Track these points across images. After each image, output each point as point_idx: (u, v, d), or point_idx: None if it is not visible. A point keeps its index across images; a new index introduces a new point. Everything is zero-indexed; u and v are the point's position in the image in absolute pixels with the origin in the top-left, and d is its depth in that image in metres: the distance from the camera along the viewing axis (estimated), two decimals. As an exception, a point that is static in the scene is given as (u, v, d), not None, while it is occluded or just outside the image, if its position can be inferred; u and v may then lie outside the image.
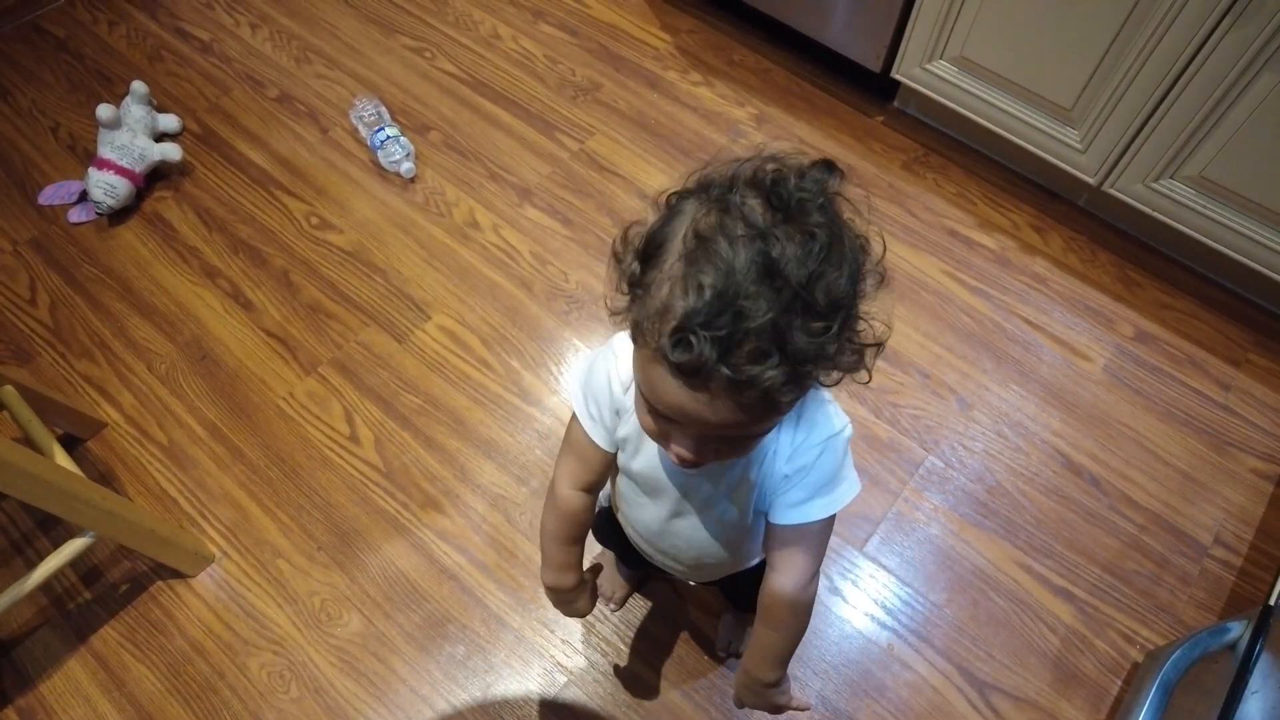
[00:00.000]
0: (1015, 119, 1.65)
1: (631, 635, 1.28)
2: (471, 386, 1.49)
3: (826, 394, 0.70)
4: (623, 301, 0.60)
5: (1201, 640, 1.03)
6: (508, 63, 1.94)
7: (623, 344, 0.74)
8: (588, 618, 1.27)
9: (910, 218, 1.75)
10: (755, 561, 0.93)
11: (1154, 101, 1.45)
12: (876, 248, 0.59)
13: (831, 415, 0.71)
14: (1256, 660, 0.96)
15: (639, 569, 1.28)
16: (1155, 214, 1.60)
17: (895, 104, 1.91)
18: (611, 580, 1.29)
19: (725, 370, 0.51)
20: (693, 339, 0.51)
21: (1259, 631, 0.99)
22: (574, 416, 0.80)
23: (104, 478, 1.38)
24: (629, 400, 0.74)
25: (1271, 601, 1.05)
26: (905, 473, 1.43)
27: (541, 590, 1.30)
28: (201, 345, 1.52)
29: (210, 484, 1.38)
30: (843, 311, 0.54)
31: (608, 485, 1.02)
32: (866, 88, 1.91)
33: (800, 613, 0.78)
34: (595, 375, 0.76)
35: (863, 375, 0.59)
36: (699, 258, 0.52)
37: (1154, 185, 1.56)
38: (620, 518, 0.93)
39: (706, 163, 0.59)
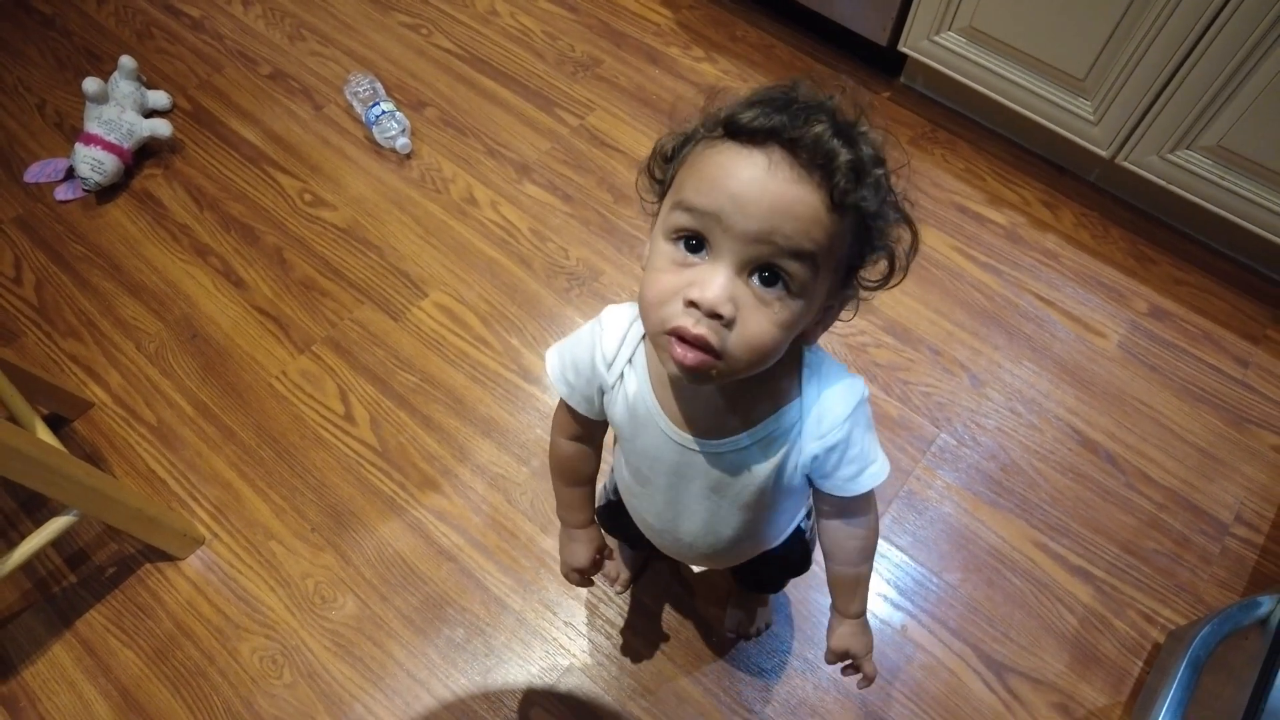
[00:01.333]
0: (1026, 91, 1.61)
1: (636, 618, 1.24)
2: (470, 364, 1.45)
3: (836, 367, 0.70)
4: (658, 173, 0.63)
5: (1232, 615, 0.99)
6: (505, 39, 1.90)
7: (611, 317, 0.72)
8: (591, 599, 1.24)
9: (918, 194, 1.70)
10: (770, 548, 0.89)
11: (1171, 68, 1.41)
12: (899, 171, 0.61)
13: (846, 385, 0.69)
14: (1290, 634, 0.92)
15: (644, 550, 1.24)
16: (1171, 187, 1.56)
17: (902, 80, 1.88)
18: (615, 562, 1.25)
19: (790, 131, 0.52)
20: (759, 113, 0.54)
21: (1291, 605, 0.95)
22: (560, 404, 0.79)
23: (91, 458, 1.34)
24: (611, 377, 0.72)
25: (1302, 574, 1.01)
26: (917, 451, 1.39)
27: (543, 571, 1.26)
28: (192, 324, 1.48)
29: (200, 465, 1.34)
30: (884, 164, 0.57)
31: (612, 476, 0.98)
32: (872, 63, 1.87)
33: (875, 545, 0.80)
34: (578, 345, 0.74)
35: (896, 276, 0.62)
36: (757, 94, 0.56)
37: (1169, 157, 1.52)
38: (631, 511, 0.88)
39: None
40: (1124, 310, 1.57)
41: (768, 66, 1.88)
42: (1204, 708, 1.00)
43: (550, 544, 1.28)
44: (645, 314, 0.59)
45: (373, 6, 1.95)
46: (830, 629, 0.85)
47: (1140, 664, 1.22)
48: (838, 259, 0.58)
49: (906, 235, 0.61)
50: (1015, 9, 1.52)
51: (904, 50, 1.73)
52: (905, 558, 1.30)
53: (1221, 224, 1.56)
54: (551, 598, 1.24)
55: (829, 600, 0.84)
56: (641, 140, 1.74)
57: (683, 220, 0.56)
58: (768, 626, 1.23)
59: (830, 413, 0.67)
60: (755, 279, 0.55)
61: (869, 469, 0.71)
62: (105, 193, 1.62)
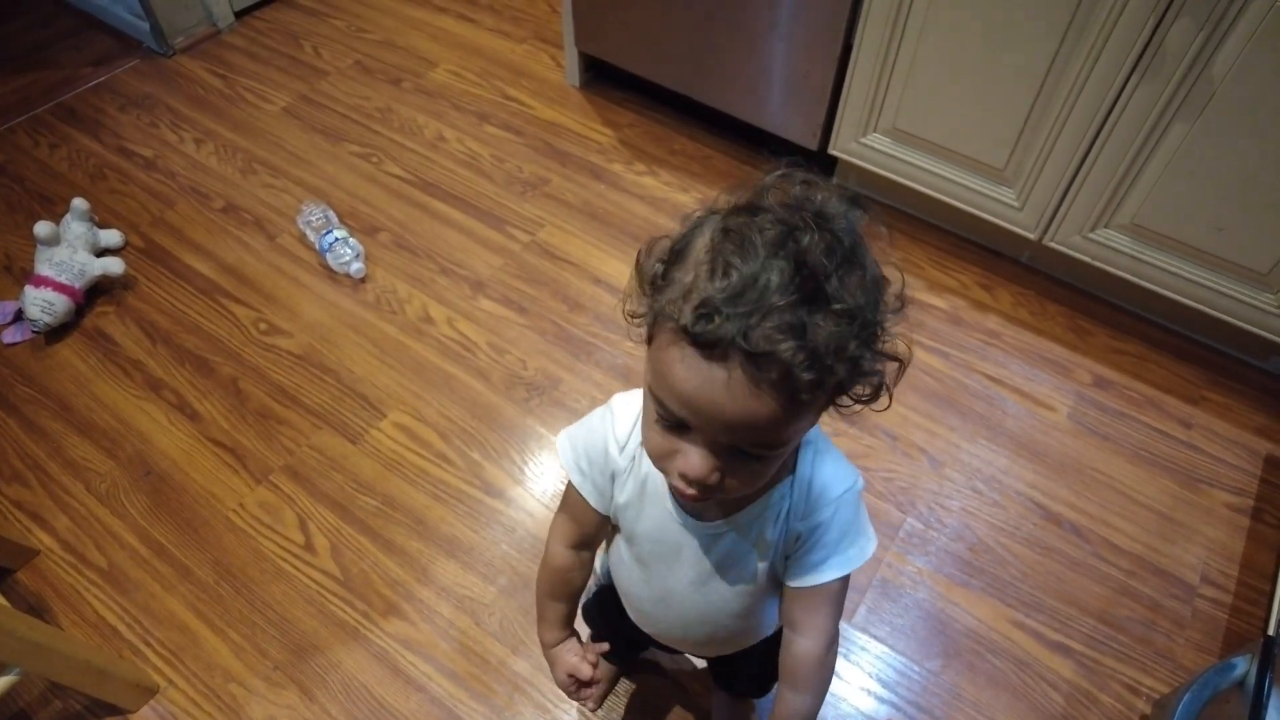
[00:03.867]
0: (953, 183, 1.71)
1: (616, 734, 1.19)
2: (431, 483, 1.43)
3: (835, 450, 0.71)
4: (642, 304, 0.61)
5: (1209, 680, 0.99)
6: (454, 163, 1.97)
7: (621, 404, 0.74)
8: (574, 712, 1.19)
9: (861, 285, 1.77)
10: (765, 635, 0.88)
11: (1081, 155, 1.52)
12: (895, 278, 0.60)
13: (841, 471, 0.70)
14: (1269, 693, 0.92)
15: (625, 657, 1.21)
16: (1095, 263, 1.64)
17: (835, 180, 1.97)
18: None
19: (743, 343, 0.51)
20: (716, 315, 0.51)
21: (1265, 663, 0.95)
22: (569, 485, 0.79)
23: (34, 610, 1.28)
24: (625, 460, 0.73)
25: (1271, 632, 1.02)
26: (886, 537, 1.40)
27: (517, 696, 1.22)
28: (145, 461, 1.45)
29: (154, 607, 1.29)
30: (864, 312, 0.54)
31: (602, 560, 0.96)
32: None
33: (827, 672, 0.76)
34: (590, 433, 0.75)
35: (883, 400, 0.60)
36: (726, 246, 0.53)
37: (1091, 236, 1.61)
38: (623, 595, 0.88)
39: (731, 188, 0.61)
40: (1069, 382, 1.63)
41: (707, 176, 1.97)
42: (1197, 780, 0.98)
43: (523, 665, 1.24)
44: (648, 455, 0.64)
45: (323, 138, 2.02)
46: None
47: (1130, 739, 1.20)
48: (812, 421, 0.59)
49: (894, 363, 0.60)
50: (934, 108, 1.63)
51: (834, 153, 1.83)
52: (884, 648, 1.28)
53: (1147, 295, 1.64)
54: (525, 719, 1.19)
55: None
56: (592, 252, 1.80)
57: (659, 409, 0.58)
58: (754, 733, 1.19)
59: (820, 494, 0.69)
60: (735, 451, 0.58)
61: (834, 558, 0.70)
62: (55, 332, 1.61)
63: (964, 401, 1.59)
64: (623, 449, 0.73)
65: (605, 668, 1.21)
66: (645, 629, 0.89)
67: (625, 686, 1.23)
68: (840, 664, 1.26)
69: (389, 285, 1.71)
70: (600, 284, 1.74)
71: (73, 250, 1.63)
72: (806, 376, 0.51)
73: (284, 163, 1.97)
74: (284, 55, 2.25)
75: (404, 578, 1.32)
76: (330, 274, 1.73)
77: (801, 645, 0.74)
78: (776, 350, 0.51)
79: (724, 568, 0.74)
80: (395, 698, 1.21)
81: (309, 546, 1.35)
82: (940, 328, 1.70)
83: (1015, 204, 1.66)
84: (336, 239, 1.71)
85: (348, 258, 1.70)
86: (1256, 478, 1.51)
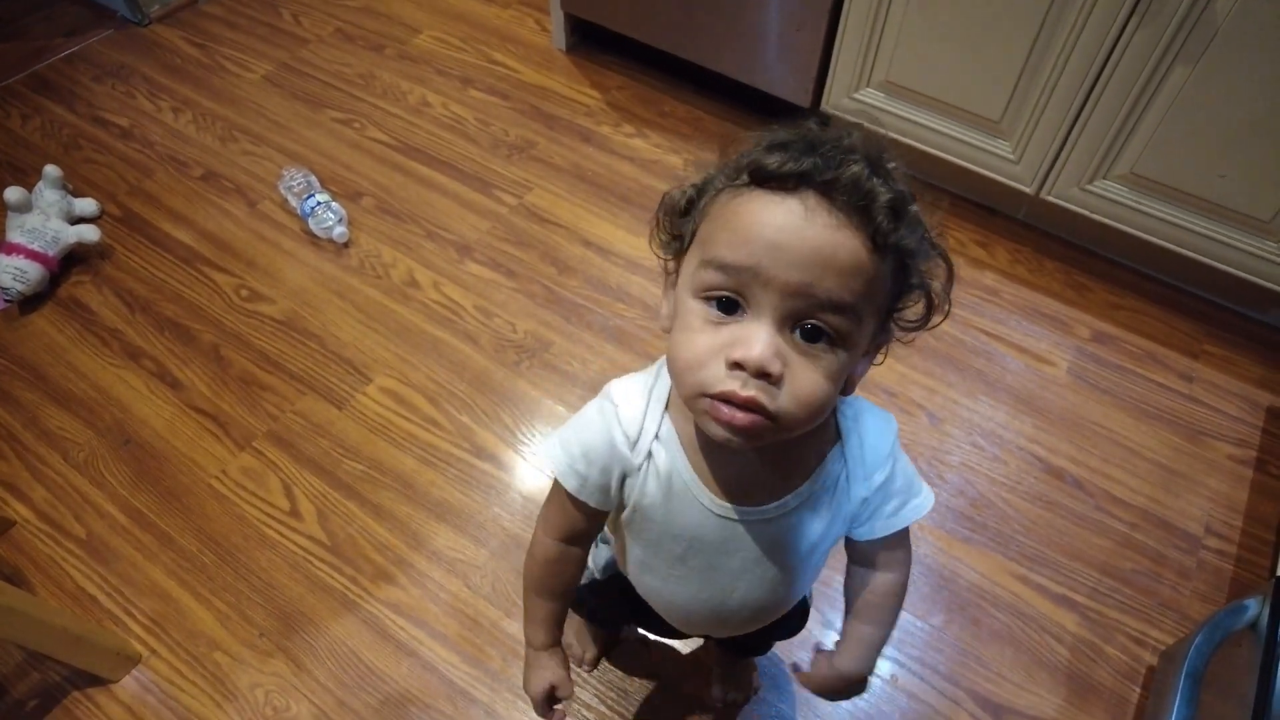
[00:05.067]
0: (947, 138, 1.67)
1: (613, 696, 1.16)
2: (419, 447, 1.40)
3: (865, 401, 0.67)
4: (675, 227, 0.60)
5: (1221, 622, 0.97)
6: (439, 128, 1.92)
7: (622, 392, 0.65)
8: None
9: (856, 244, 1.73)
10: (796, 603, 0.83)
11: (1078, 104, 1.48)
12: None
13: (882, 420, 0.67)
14: (1281, 633, 0.89)
15: (614, 629, 1.18)
16: (1093, 215, 1.61)
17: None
18: (580, 639, 1.18)
19: (822, 172, 0.50)
20: (779, 152, 0.51)
21: (1278, 604, 0.93)
22: (553, 487, 0.70)
23: (11, 581, 1.24)
24: (639, 456, 0.64)
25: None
26: (885, 493, 1.37)
27: (510, 658, 1.18)
28: (124, 429, 1.41)
29: (135, 576, 1.25)
30: (914, 202, 0.55)
31: (597, 555, 0.90)
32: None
33: (903, 599, 0.74)
34: (588, 431, 0.65)
35: (936, 317, 0.59)
36: (770, 141, 0.54)
37: (1089, 187, 1.58)
38: (645, 593, 0.78)
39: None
40: (1068, 338, 1.60)
41: (697, 138, 1.93)
42: (1208, 726, 0.96)
43: (516, 628, 1.21)
44: (680, 378, 0.55)
45: (304, 105, 1.97)
46: (818, 668, 0.74)
47: (1138, 690, 1.18)
48: (879, 305, 0.55)
49: (941, 270, 0.59)
50: (927, 60, 1.59)
51: (827, 110, 1.79)
52: (886, 603, 1.25)
53: (1146, 248, 1.61)
54: (521, 685, 1.16)
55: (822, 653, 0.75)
56: (581, 214, 1.76)
57: (715, 279, 0.52)
58: (756, 691, 1.16)
59: (874, 451, 0.65)
60: (797, 333, 0.52)
61: (912, 501, 0.67)
62: (29, 302, 1.56)
63: (962, 358, 1.56)
64: (634, 444, 0.64)
65: (594, 633, 1.17)
66: (674, 622, 0.81)
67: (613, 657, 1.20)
68: (841, 622, 1.23)
69: (373, 250, 1.67)
70: (590, 246, 1.70)
71: (45, 217, 1.58)
72: (887, 208, 0.50)
73: (265, 130, 1.92)
74: (263, 24, 2.20)
75: (393, 542, 1.29)
76: (313, 239, 1.68)
77: (888, 580, 0.71)
78: (856, 175, 0.50)
79: (773, 551, 0.67)
80: (385, 663, 1.17)
81: (294, 512, 1.31)
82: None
83: (1011, 157, 1.63)
84: (318, 203, 1.66)
85: (330, 222, 1.65)
86: (1259, 429, 1.49)
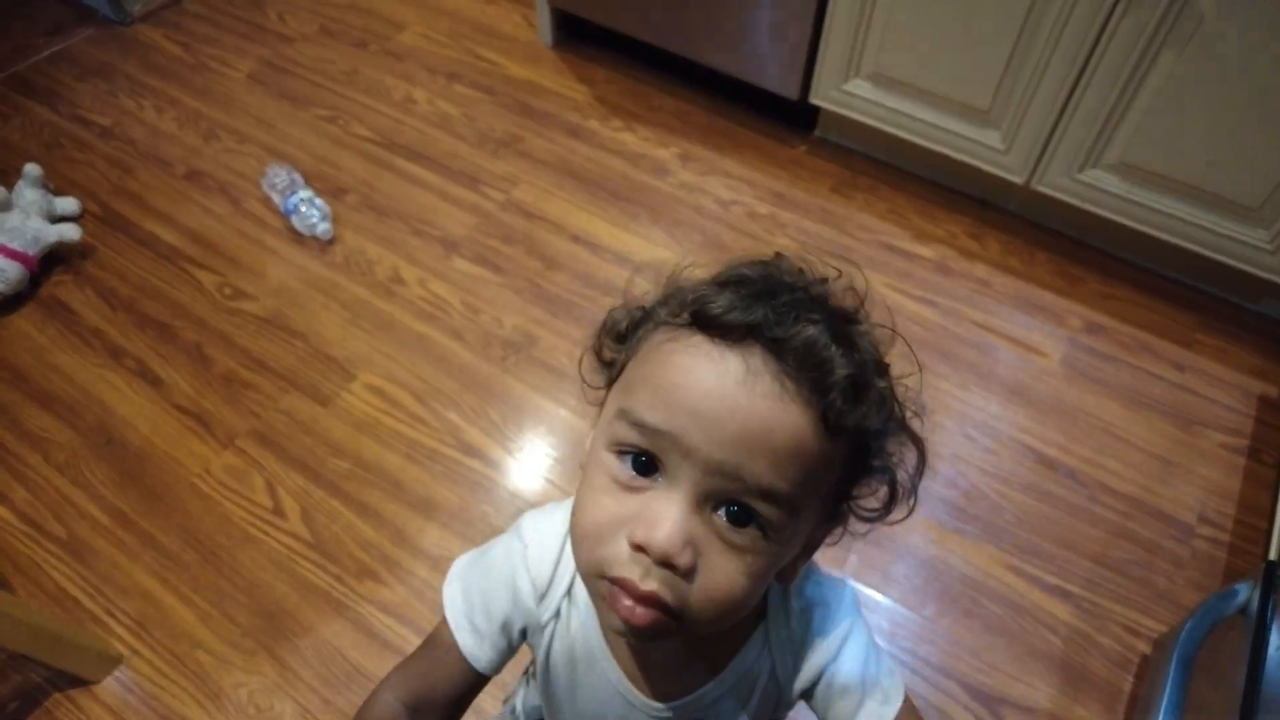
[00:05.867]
0: (937, 129, 1.66)
1: None
2: (405, 444, 1.38)
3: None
4: (609, 352, 0.52)
5: (1212, 608, 0.96)
6: (424, 123, 1.91)
7: (534, 528, 0.57)
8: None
9: (846, 238, 1.73)
10: None
11: (1066, 92, 1.47)
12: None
13: (831, 593, 0.57)
14: (1272, 618, 0.88)
15: None
16: (1084, 206, 1.60)
17: (817, 133, 1.93)
18: None
19: (773, 328, 0.42)
20: (730, 292, 0.44)
21: (1268, 588, 0.92)
22: (442, 620, 0.58)
23: (-9, 583, 1.22)
24: (547, 610, 0.56)
25: (1272, 557, 0.99)
26: (876, 485, 1.36)
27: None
28: (106, 429, 1.39)
29: (117, 576, 1.23)
30: (885, 373, 0.48)
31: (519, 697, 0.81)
32: (787, 120, 1.92)
33: None
34: (491, 575, 0.56)
35: (901, 508, 0.50)
36: (723, 275, 0.48)
37: (1079, 177, 1.57)
38: None
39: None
40: (1061, 329, 1.59)
41: (686, 131, 1.92)
42: (1198, 714, 0.95)
43: (504, 622, 1.19)
44: (577, 548, 0.47)
45: (289, 103, 1.95)
46: None
47: (1131, 678, 1.17)
48: (824, 494, 0.46)
49: (912, 455, 0.50)
50: (915, 50, 1.58)
51: (816, 103, 1.78)
52: (879, 596, 1.24)
53: (1137, 237, 1.60)
54: (508, 680, 1.14)
55: None
56: (569, 209, 1.74)
57: (629, 435, 0.44)
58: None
59: (812, 638, 0.55)
60: (721, 513, 0.43)
61: (867, 703, 0.54)
62: (9, 302, 1.54)
63: (954, 350, 1.55)
64: (542, 596, 0.55)
65: None
66: None
67: None
68: None
69: (358, 246, 1.66)
70: (578, 241, 1.68)
71: (25, 216, 1.56)
72: (843, 371, 0.42)
73: (248, 128, 1.90)
74: (246, 22, 2.18)
75: (378, 540, 1.27)
76: (297, 237, 1.67)
77: None
78: (811, 339, 0.42)
79: None
80: (371, 661, 1.16)
81: (278, 511, 1.30)
82: (929, 277, 1.66)
83: (1001, 147, 1.62)
84: (302, 200, 1.65)
85: (314, 219, 1.64)
86: (1251, 418, 1.48)
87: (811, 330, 0.43)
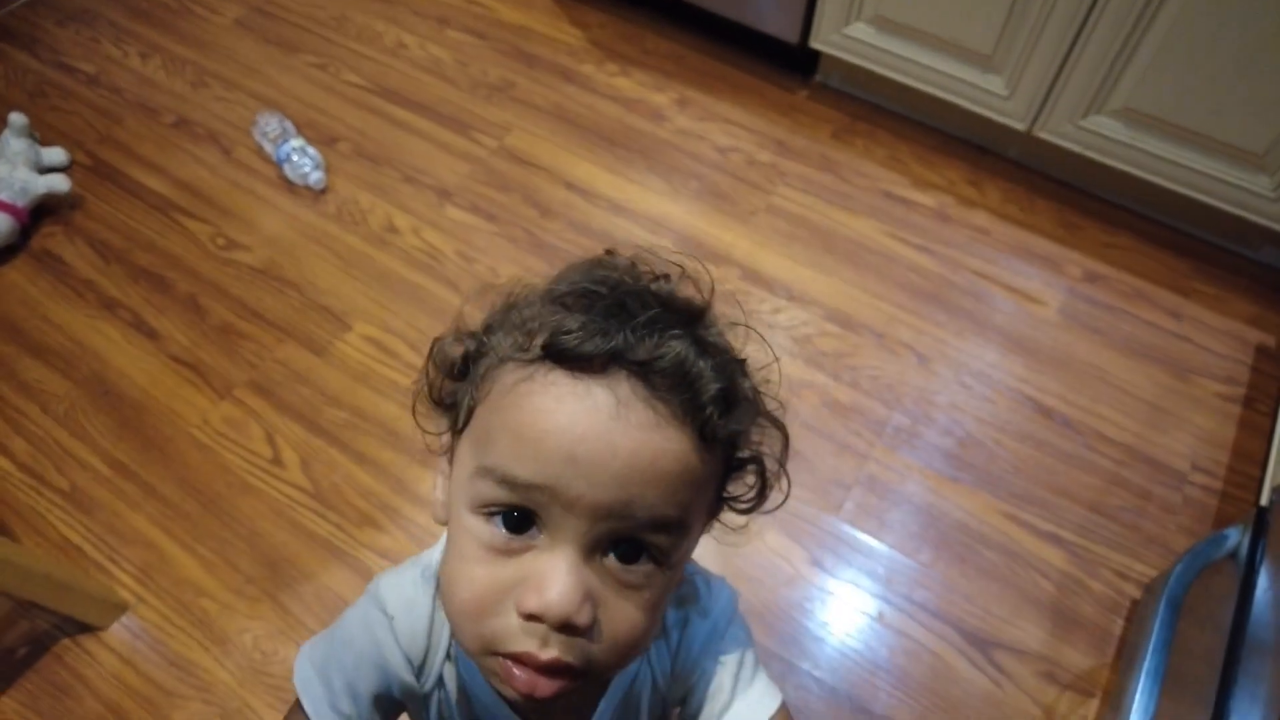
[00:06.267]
0: (939, 74, 1.63)
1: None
2: (402, 395, 1.38)
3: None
4: (446, 393, 0.47)
5: (1202, 551, 0.97)
6: (416, 69, 1.87)
7: (393, 590, 0.51)
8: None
9: (845, 184, 1.71)
10: None
11: (1072, 34, 1.44)
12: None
13: (711, 599, 0.54)
14: (1261, 562, 0.90)
15: None
16: (1087, 153, 1.58)
17: (817, 78, 1.89)
18: None
19: (634, 350, 0.39)
20: (588, 327, 0.40)
21: (1259, 533, 0.93)
22: (295, 705, 0.51)
23: (-6, 533, 1.23)
24: (428, 679, 0.51)
25: (1264, 502, 1.00)
26: (872, 434, 1.36)
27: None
28: (103, 381, 1.39)
29: (120, 526, 1.24)
30: (744, 369, 0.45)
31: None
32: (786, 65, 1.88)
33: None
34: (348, 647, 0.51)
35: (775, 495, 0.48)
36: (573, 288, 0.43)
37: (1082, 124, 1.55)
38: None
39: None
40: (1059, 278, 1.58)
41: (683, 75, 1.88)
42: (1184, 655, 0.97)
43: (504, 569, 1.21)
44: (459, 625, 0.43)
45: (277, 49, 1.91)
46: None
47: (1121, 621, 1.19)
48: (710, 503, 0.45)
49: (777, 440, 0.48)
50: (917, -8, 1.55)
51: (816, 47, 1.74)
52: (874, 542, 1.26)
53: (1139, 185, 1.59)
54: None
55: None
56: (563, 156, 1.72)
57: (497, 494, 0.40)
58: None
59: (687, 649, 0.53)
60: (612, 555, 0.41)
61: (735, 704, 0.51)
62: (0, 255, 1.52)
63: (951, 298, 1.54)
64: (420, 668, 0.50)
65: None
66: None
67: None
68: (829, 559, 1.24)
69: (350, 196, 1.64)
70: (573, 189, 1.66)
71: (12, 167, 1.53)
72: (715, 386, 0.40)
73: (237, 75, 1.86)
74: (232, -36, 2.12)
75: (377, 488, 1.28)
76: (289, 186, 1.65)
77: None
78: (679, 356, 0.40)
79: None
80: (373, 607, 1.17)
81: (277, 460, 1.30)
82: (927, 225, 1.64)
83: (1003, 93, 1.59)
84: (294, 149, 1.62)
85: (306, 168, 1.61)
86: (1247, 366, 1.48)
87: (677, 346, 0.40)
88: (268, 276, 1.52)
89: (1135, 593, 1.22)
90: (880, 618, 1.19)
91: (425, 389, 0.48)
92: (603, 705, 0.52)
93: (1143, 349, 1.49)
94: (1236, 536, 0.96)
